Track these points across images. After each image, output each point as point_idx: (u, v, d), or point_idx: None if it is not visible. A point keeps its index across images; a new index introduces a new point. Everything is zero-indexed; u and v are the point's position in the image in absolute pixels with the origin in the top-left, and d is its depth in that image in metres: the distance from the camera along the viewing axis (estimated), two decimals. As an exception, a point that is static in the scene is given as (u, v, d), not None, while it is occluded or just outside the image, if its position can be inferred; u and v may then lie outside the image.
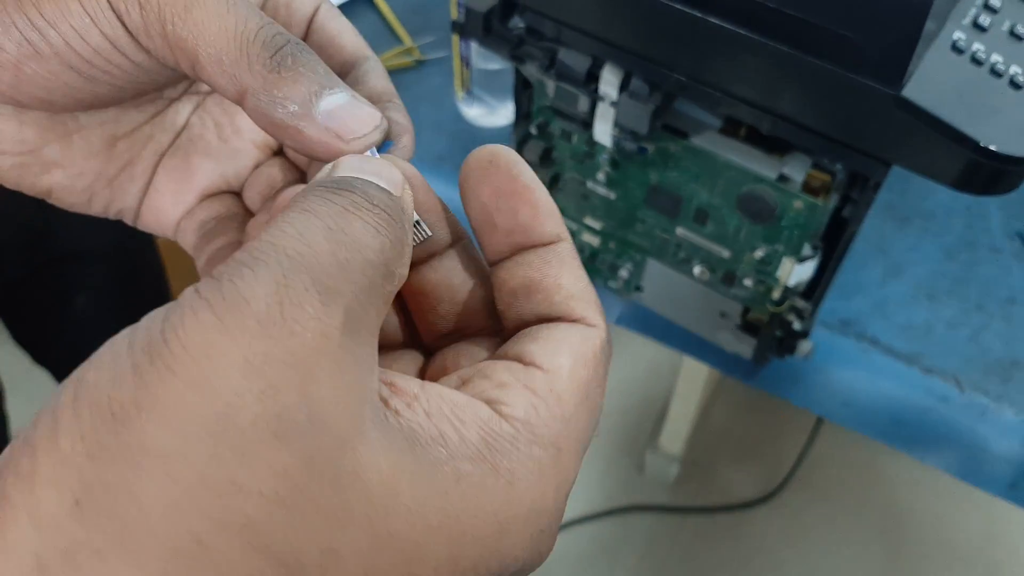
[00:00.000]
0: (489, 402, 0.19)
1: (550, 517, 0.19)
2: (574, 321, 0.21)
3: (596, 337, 0.20)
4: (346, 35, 0.26)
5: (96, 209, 0.26)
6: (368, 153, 0.22)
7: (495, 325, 0.23)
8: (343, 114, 0.21)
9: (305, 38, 0.26)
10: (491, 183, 0.21)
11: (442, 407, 0.18)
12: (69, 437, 0.14)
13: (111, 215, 0.27)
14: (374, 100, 0.23)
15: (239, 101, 0.21)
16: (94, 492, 0.14)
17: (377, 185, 0.19)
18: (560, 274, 0.21)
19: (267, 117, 0.21)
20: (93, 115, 0.25)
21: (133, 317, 0.16)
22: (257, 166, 0.28)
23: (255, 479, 0.15)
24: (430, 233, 0.22)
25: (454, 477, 0.17)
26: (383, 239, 0.18)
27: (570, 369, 0.20)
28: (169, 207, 0.27)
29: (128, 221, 0.27)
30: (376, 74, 0.26)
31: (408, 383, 0.18)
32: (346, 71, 0.26)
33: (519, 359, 0.20)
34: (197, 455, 0.14)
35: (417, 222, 0.22)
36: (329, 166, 0.20)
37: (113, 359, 0.15)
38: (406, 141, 0.23)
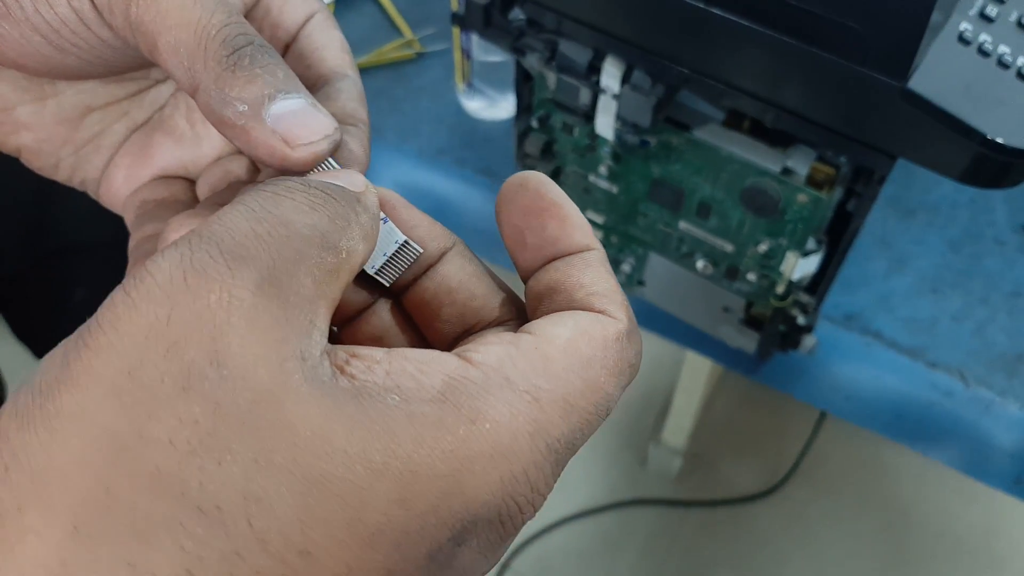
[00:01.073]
0: (460, 353, 0.18)
1: (525, 464, 0.18)
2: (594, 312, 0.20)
3: (612, 325, 0.20)
4: (331, 49, 0.26)
5: (62, 176, 0.27)
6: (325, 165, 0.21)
7: (501, 316, 0.22)
8: (293, 120, 0.21)
9: (289, 44, 0.26)
10: (520, 204, 0.21)
11: (405, 366, 0.18)
12: (6, 417, 0.16)
13: (75, 184, 0.27)
14: (339, 120, 0.23)
15: (192, 94, 0.21)
16: (18, 457, 0.15)
17: (322, 180, 0.19)
18: (583, 274, 0.21)
19: (216, 114, 0.21)
20: (71, 84, 0.25)
21: None
22: (220, 158, 0.28)
23: (163, 430, 0.15)
24: (421, 250, 0.22)
25: (406, 418, 0.17)
26: (318, 214, 0.18)
27: (568, 340, 0.19)
28: (122, 182, 0.27)
29: (91, 193, 0.28)
30: (349, 95, 0.25)
31: (372, 351, 0.18)
32: (320, 85, 0.26)
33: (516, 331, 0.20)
34: (103, 412, 0.16)
35: (406, 242, 0.22)
36: None
37: (51, 353, 0.17)
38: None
